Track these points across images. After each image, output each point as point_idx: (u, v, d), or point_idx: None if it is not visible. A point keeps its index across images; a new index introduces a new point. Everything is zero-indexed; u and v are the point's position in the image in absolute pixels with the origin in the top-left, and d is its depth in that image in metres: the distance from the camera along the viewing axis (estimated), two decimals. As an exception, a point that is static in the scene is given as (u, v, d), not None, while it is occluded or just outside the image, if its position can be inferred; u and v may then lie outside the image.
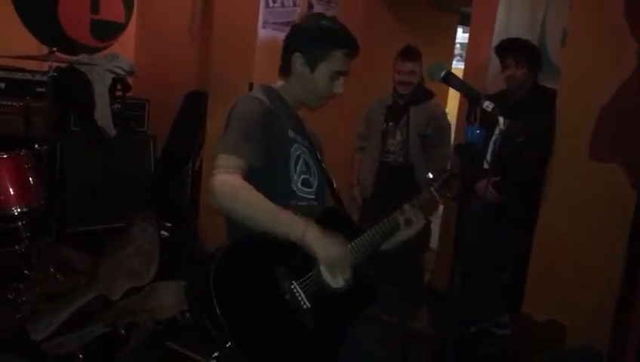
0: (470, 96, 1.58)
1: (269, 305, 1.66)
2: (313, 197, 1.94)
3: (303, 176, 1.92)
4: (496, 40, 3.86)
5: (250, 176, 1.74)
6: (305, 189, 1.92)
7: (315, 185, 1.97)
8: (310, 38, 1.94)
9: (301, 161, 1.93)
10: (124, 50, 5.48)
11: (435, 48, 4.87)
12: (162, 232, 4.00)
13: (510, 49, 3.48)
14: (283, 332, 1.67)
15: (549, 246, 3.19)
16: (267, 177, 1.80)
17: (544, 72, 3.59)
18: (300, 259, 1.71)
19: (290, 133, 1.93)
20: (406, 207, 1.92)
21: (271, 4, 4.35)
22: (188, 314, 3.46)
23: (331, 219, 1.86)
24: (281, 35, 4.50)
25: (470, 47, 4.54)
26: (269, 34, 4.36)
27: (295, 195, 1.89)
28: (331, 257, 1.72)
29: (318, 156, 2.06)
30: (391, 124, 3.97)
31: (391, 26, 4.92)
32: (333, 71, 1.94)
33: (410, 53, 3.88)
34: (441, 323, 3.74)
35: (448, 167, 2.08)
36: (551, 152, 3.22)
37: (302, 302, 1.70)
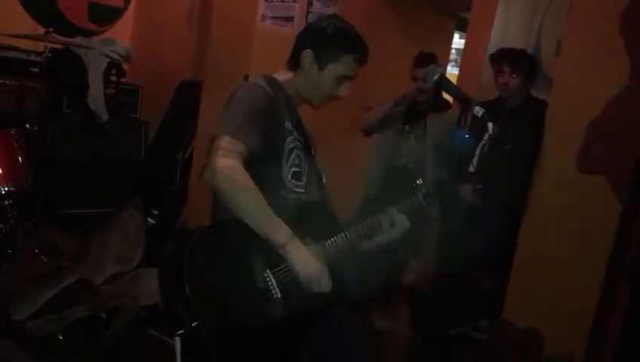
0: (462, 101, 1.60)
1: (238, 289, 1.68)
2: (303, 191, 1.96)
3: (293, 169, 1.94)
4: (492, 46, 3.87)
5: (248, 161, 1.77)
6: (294, 182, 1.94)
7: (305, 179, 1.98)
8: (324, 38, 1.97)
9: (294, 154, 1.95)
10: (121, 35, 5.46)
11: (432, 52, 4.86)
12: (149, 220, 4.00)
13: (507, 57, 3.48)
14: (248, 317, 1.68)
15: (532, 254, 3.21)
16: (260, 165, 1.83)
17: (536, 81, 3.61)
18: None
19: (288, 125, 1.95)
20: (389, 209, 1.95)
21: (270, -2, 4.36)
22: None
23: (315, 214, 1.90)
24: (278, 30, 4.57)
25: (466, 52, 4.56)
26: (267, 27, 4.36)
27: (285, 187, 1.91)
28: (308, 274, 1.74)
29: (312, 152, 2.08)
30: (407, 127, 3.79)
31: (390, 27, 4.93)
32: (341, 74, 1.97)
33: (423, 60, 3.65)
34: (421, 325, 3.77)
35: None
36: (536, 161, 3.24)
37: (273, 291, 1.72)
